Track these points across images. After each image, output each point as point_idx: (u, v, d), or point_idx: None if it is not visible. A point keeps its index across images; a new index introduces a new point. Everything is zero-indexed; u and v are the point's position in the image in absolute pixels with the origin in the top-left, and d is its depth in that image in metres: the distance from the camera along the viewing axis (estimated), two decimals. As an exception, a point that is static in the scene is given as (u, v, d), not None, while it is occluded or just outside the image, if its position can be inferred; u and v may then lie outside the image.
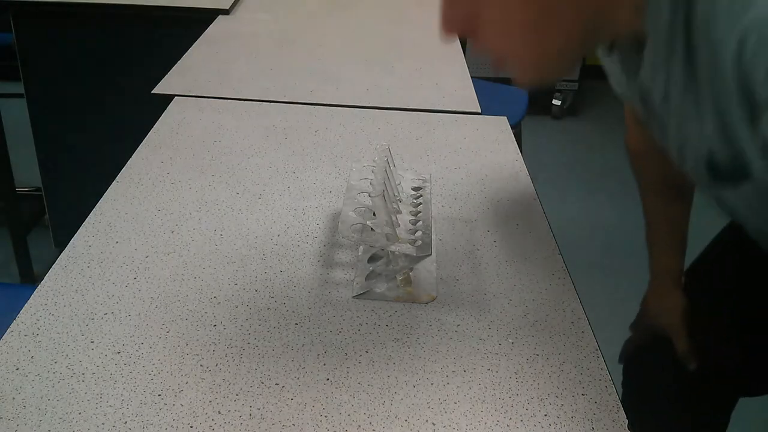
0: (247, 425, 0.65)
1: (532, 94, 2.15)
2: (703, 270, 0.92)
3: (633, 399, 1.03)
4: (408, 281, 0.83)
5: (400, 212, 0.88)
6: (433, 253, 0.88)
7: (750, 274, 0.96)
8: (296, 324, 0.77)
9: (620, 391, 0.88)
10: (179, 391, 0.68)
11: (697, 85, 0.59)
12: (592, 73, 2.65)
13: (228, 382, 0.69)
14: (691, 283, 1.05)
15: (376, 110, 1.27)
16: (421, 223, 0.86)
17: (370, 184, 0.85)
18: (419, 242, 0.82)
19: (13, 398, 0.66)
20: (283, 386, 0.69)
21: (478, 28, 0.64)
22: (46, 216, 2.13)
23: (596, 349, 0.75)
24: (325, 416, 0.66)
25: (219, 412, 0.66)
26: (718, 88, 0.55)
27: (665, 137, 0.68)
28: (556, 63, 0.66)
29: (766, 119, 0.51)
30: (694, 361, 0.98)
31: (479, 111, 1.29)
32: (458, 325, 0.78)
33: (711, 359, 1.00)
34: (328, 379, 0.70)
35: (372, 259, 0.87)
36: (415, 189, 0.93)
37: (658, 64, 0.59)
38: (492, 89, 2.06)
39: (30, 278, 2.19)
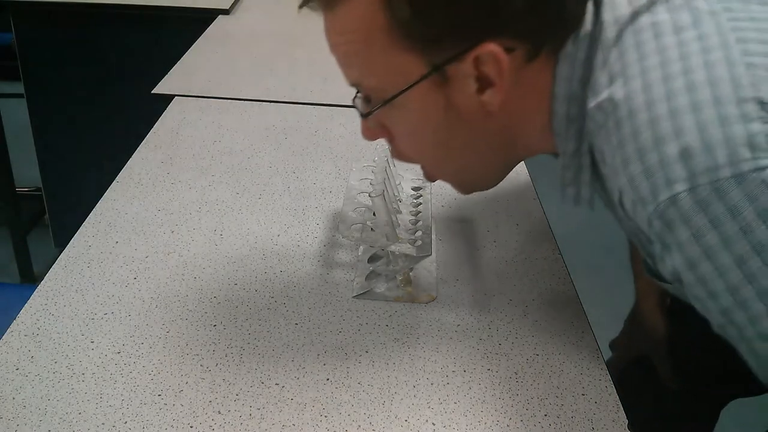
0: (247, 425, 0.65)
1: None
2: None
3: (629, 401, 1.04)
4: (408, 281, 0.83)
5: (400, 212, 0.88)
6: (433, 253, 0.88)
7: None
8: (296, 324, 0.77)
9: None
10: (179, 391, 0.68)
11: (607, 206, 0.65)
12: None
13: (228, 382, 0.69)
14: (677, 304, 1.05)
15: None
16: (421, 223, 0.86)
17: (370, 184, 0.85)
18: (419, 242, 0.82)
19: (14, 398, 0.66)
20: (283, 386, 0.69)
21: (394, 139, 0.69)
22: (46, 216, 2.13)
23: (596, 349, 0.75)
24: (325, 416, 0.66)
25: (219, 412, 0.66)
26: (619, 218, 0.61)
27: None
28: (475, 180, 0.72)
29: (659, 262, 0.56)
30: (676, 383, 0.99)
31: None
32: (458, 325, 0.78)
33: (696, 378, 1.01)
34: (328, 379, 0.70)
35: (372, 259, 0.87)
36: (415, 189, 0.94)
37: (568, 180, 0.64)
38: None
39: (30, 278, 2.19)
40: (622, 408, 0.68)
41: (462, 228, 0.95)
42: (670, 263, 0.54)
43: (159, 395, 0.67)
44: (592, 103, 0.57)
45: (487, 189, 0.73)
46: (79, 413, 0.65)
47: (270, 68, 1.43)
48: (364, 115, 0.67)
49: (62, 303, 0.78)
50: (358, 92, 0.67)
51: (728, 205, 0.49)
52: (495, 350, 0.75)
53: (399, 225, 0.84)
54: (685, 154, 0.50)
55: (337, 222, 0.92)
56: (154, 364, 0.71)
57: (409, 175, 0.95)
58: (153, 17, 1.81)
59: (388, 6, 0.57)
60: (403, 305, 0.80)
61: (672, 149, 0.50)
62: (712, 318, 0.56)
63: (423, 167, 0.72)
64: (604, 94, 0.56)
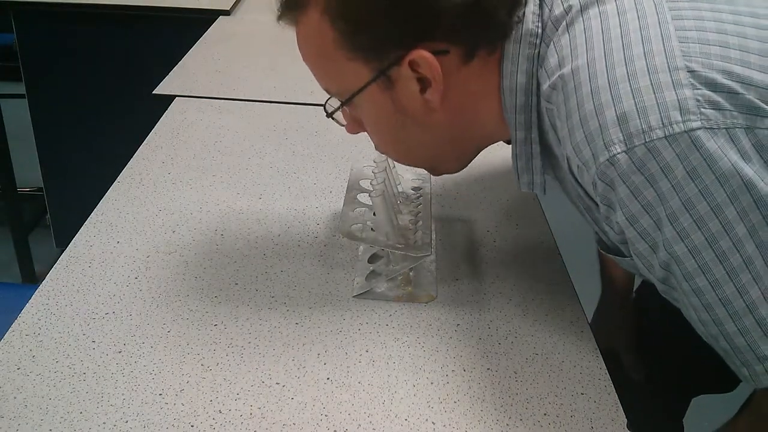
0: (248, 424, 0.65)
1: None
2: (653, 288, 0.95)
3: None
4: (408, 281, 0.84)
5: (400, 212, 0.88)
6: (433, 253, 0.88)
7: None
8: (297, 323, 0.77)
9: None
10: (180, 391, 0.68)
11: (559, 188, 0.73)
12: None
13: (229, 382, 0.69)
14: (641, 300, 1.06)
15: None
16: (421, 223, 0.86)
17: (370, 184, 0.85)
18: (419, 242, 0.82)
19: (15, 397, 0.67)
20: (283, 385, 0.69)
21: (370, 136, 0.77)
22: (48, 216, 2.13)
23: (595, 349, 0.75)
24: (326, 415, 0.66)
25: (220, 412, 0.66)
26: (572, 194, 0.69)
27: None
28: (443, 166, 0.79)
29: (605, 225, 0.62)
30: (640, 374, 1.03)
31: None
32: (458, 324, 0.78)
33: (661, 371, 1.05)
34: (328, 379, 0.70)
35: (372, 259, 0.87)
36: (415, 189, 0.94)
37: (522, 168, 0.71)
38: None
39: (31, 278, 2.19)
40: (621, 407, 0.69)
41: (462, 228, 0.95)
42: (615, 221, 0.59)
43: (160, 394, 0.68)
44: (545, 85, 0.62)
45: (455, 172, 0.80)
46: (81, 412, 0.65)
47: (271, 69, 1.44)
48: (328, 115, 0.76)
49: (63, 303, 0.79)
50: (330, 96, 0.75)
51: (661, 164, 0.54)
52: (494, 349, 0.75)
53: (399, 225, 0.84)
54: (622, 119, 0.55)
55: (338, 222, 0.92)
56: (155, 364, 0.71)
57: (409, 175, 0.96)
58: (154, 18, 1.81)
59: (331, 21, 0.65)
60: (403, 305, 0.81)
61: (610, 115, 0.55)
62: (654, 273, 0.60)
63: (391, 158, 0.82)
64: (555, 75, 0.61)
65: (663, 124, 0.53)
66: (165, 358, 0.72)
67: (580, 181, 0.62)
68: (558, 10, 0.63)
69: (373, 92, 0.67)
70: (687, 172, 0.53)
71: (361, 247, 0.89)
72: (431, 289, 0.83)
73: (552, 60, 0.62)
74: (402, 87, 0.66)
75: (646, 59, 0.55)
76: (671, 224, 0.55)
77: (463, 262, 0.88)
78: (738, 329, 0.57)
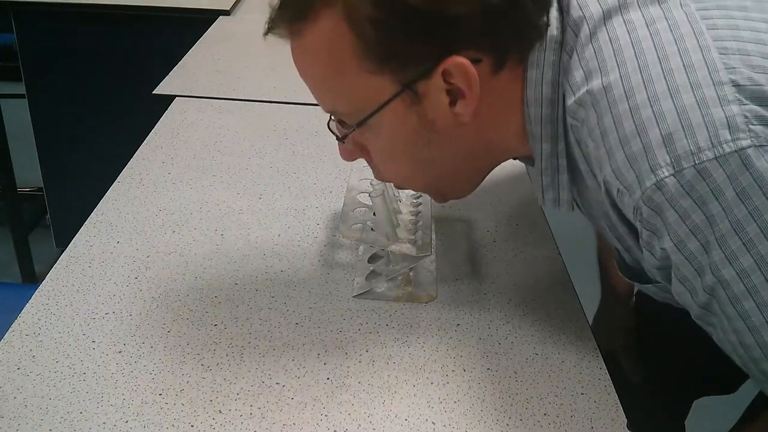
0: (248, 424, 0.65)
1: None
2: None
3: None
4: (408, 281, 0.84)
5: (400, 212, 0.88)
6: (433, 253, 0.88)
7: None
8: (297, 323, 0.77)
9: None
10: (180, 391, 0.68)
11: (585, 206, 0.69)
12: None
13: (229, 382, 0.69)
14: (642, 302, 1.07)
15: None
16: (421, 223, 0.86)
17: (370, 184, 0.85)
18: (419, 242, 0.82)
19: (15, 397, 0.67)
20: (283, 385, 0.69)
21: (372, 159, 0.71)
22: (48, 216, 2.13)
23: (595, 349, 0.75)
24: (326, 415, 0.66)
25: (220, 412, 0.66)
26: (604, 215, 0.63)
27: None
28: (453, 190, 0.74)
29: (645, 251, 0.58)
30: (638, 375, 1.02)
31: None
32: (458, 324, 0.78)
33: (659, 375, 1.04)
34: (328, 379, 0.70)
35: (372, 259, 0.87)
36: (415, 189, 0.94)
37: (547, 184, 0.66)
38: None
39: (31, 278, 2.19)
40: (621, 407, 0.68)
41: (462, 228, 0.95)
42: (659, 247, 0.56)
43: (160, 394, 0.68)
44: (570, 100, 0.59)
45: (462, 197, 0.75)
46: (81, 412, 0.65)
47: (271, 69, 1.44)
48: (340, 139, 0.69)
49: (63, 303, 0.79)
50: (331, 117, 0.68)
51: (711, 186, 0.51)
52: (494, 349, 0.75)
53: (399, 225, 0.84)
54: (668, 139, 0.51)
55: (338, 222, 0.92)
56: (155, 364, 0.71)
57: (409, 176, 0.96)
58: (154, 18, 1.81)
59: (353, 29, 0.58)
60: (403, 305, 0.81)
61: (654, 135, 0.52)
62: (697, 297, 0.57)
63: (398, 184, 0.76)
64: (582, 90, 0.57)
65: (713, 144, 0.50)
66: (165, 358, 0.72)
67: (619, 205, 0.58)
68: (576, 14, 0.59)
69: (395, 108, 0.62)
70: (737, 194, 0.50)
71: (361, 247, 0.89)
72: (431, 289, 0.83)
73: (577, 74, 0.58)
74: (430, 101, 0.61)
75: (687, 73, 0.52)
76: (720, 248, 0.52)
77: (463, 262, 0.88)
78: None
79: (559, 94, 0.61)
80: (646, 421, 0.94)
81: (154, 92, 1.31)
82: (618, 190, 0.56)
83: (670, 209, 0.53)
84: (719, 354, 0.61)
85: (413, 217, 0.87)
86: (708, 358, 0.64)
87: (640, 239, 0.58)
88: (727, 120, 0.50)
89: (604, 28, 0.57)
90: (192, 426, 0.65)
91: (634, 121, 0.53)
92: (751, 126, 0.50)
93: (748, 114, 0.50)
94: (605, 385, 0.71)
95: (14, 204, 2.15)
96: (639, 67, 0.54)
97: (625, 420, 0.67)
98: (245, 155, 1.11)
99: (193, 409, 0.66)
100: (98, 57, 1.88)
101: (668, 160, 0.52)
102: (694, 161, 0.51)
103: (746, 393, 0.89)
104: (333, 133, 0.70)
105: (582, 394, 0.70)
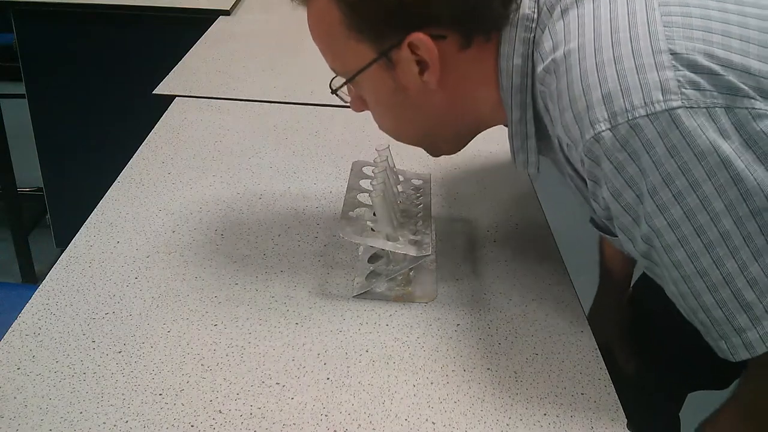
0: (248, 424, 0.65)
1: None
2: (651, 281, 0.95)
3: None
4: (408, 281, 0.84)
5: (400, 212, 0.88)
6: (433, 253, 0.88)
7: None
8: (296, 323, 0.77)
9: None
10: (180, 391, 0.68)
11: (554, 167, 0.76)
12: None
13: (229, 382, 0.69)
14: (638, 295, 1.07)
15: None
16: (421, 223, 0.86)
17: (370, 184, 0.85)
18: (419, 242, 0.82)
19: (15, 397, 0.67)
20: (283, 385, 0.69)
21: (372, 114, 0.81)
22: (48, 216, 2.13)
23: (595, 349, 0.76)
24: (326, 415, 0.66)
25: (220, 411, 0.66)
26: (564, 173, 0.71)
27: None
28: (441, 147, 0.83)
29: (593, 202, 0.65)
30: (633, 368, 1.04)
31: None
32: (458, 324, 0.78)
33: (656, 366, 1.06)
34: (328, 379, 0.70)
35: (372, 259, 0.87)
36: (415, 189, 0.94)
37: (518, 147, 0.74)
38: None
39: (31, 278, 2.19)
40: (621, 407, 0.69)
41: (462, 228, 0.95)
42: (600, 196, 0.62)
43: (160, 394, 0.68)
44: (539, 68, 0.65)
45: (451, 153, 0.84)
46: (81, 412, 0.65)
47: (270, 69, 1.44)
48: (333, 91, 0.80)
49: (63, 303, 0.79)
50: (336, 75, 0.78)
51: (643, 141, 0.56)
52: (494, 350, 0.75)
53: (399, 225, 0.84)
54: (607, 98, 0.57)
55: (337, 222, 0.92)
56: (155, 364, 0.71)
57: (409, 175, 0.96)
58: (153, 18, 1.81)
59: (338, 5, 0.68)
60: (403, 305, 0.81)
61: (596, 95, 0.58)
62: (637, 246, 0.62)
63: (391, 136, 0.82)
64: (549, 58, 0.64)
65: (645, 103, 0.56)
66: (165, 358, 0.72)
67: (570, 159, 0.65)
68: None
69: (375, 72, 0.71)
70: (667, 149, 0.56)
71: (361, 247, 0.89)
72: (431, 289, 0.83)
73: (546, 44, 0.65)
74: (402, 68, 0.70)
75: (631, 43, 0.58)
76: (652, 198, 0.58)
77: (463, 262, 0.88)
78: (715, 301, 0.59)
79: (529, 66, 0.68)
80: (639, 412, 0.94)
81: (154, 92, 1.31)
82: (567, 144, 0.63)
83: (606, 161, 0.58)
84: (712, 349, 0.62)
85: (413, 217, 0.87)
86: (701, 352, 0.65)
87: (587, 191, 0.64)
88: (661, 83, 0.56)
89: (575, 6, 0.64)
90: (192, 426, 0.65)
91: (581, 84, 0.59)
92: (683, 90, 0.55)
93: (681, 79, 0.55)
94: (605, 385, 0.71)
95: (14, 204, 2.15)
96: (594, 37, 0.60)
97: (625, 420, 0.67)
98: (245, 155, 1.11)
99: (193, 409, 0.66)
100: (98, 57, 1.88)
101: (606, 116, 0.57)
102: (628, 117, 0.56)
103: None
104: (331, 90, 0.80)
105: (582, 394, 0.70)
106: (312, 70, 1.42)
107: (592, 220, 0.73)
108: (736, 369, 0.63)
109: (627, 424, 0.67)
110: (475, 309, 0.81)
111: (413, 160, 1.11)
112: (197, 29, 1.65)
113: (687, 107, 0.55)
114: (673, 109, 0.55)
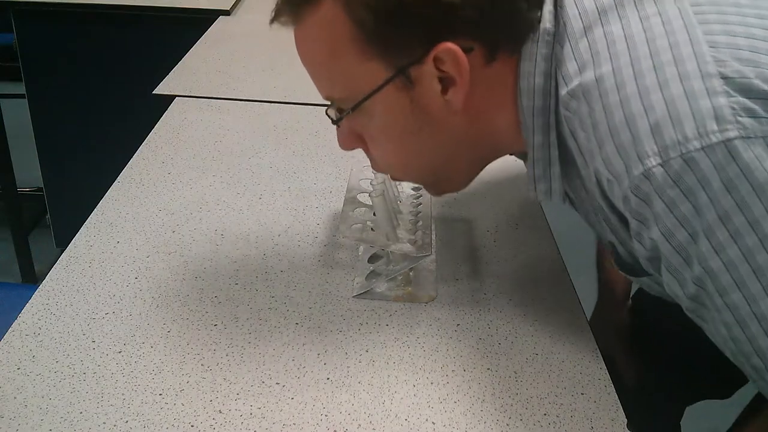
0: (248, 424, 0.65)
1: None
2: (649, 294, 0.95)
3: None
4: (408, 281, 0.84)
5: (400, 212, 0.88)
6: (433, 253, 0.88)
7: None
8: (297, 323, 0.77)
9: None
10: (180, 391, 0.68)
11: (577, 199, 0.68)
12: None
13: (229, 382, 0.69)
14: (638, 306, 1.07)
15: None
16: (421, 223, 0.86)
17: (371, 184, 0.85)
18: (419, 242, 0.82)
19: (15, 397, 0.67)
20: (283, 385, 0.69)
21: (368, 148, 0.72)
22: (48, 216, 2.13)
23: (595, 349, 0.75)
24: (326, 415, 0.66)
25: (220, 411, 0.66)
26: (596, 207, 0.64)
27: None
28: (449, 182, 0.75)
29: (635, 242, 0.59)
30: (633, 378, 1.02)
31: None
32: (458, 324, 0.78)
33: (657, 377, 1.04)
34: (328, 379, 0.70)
35: (372, 259, 0.87)
36: (415, 189, 0.94)
37: (539, 176, 0.67)
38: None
39: (31, 278, 2.19)
40: (621, 407, 0.69)
41: (462, 228, 0.95)
42: (648, 237, 0.56)
43: (160, 394, 0.68)
44: (563, 92, 0.60)
45: (457, 191, 0.77)
46: (81, 412, 0.65)
47: (270, 69, 1.44)
48: (335, 122, 0.70)
49: (63, 303, 0.79)
50: (331, 104, 0.70)
51: (698, 176, 0.51)
52: (494, 350, 0.75)
53: (399, 225, 0.84)
54: (656, 130, 0.52)
55: (338, 222, 0.92)
56: (155, 364, 0.71)
57: (409, 176, 0.96)
58: (153, 18, 1.81)
59: (351, 15, 0.60)
60: (403, 305, 0.81)
61: (643, 125, 0.53)
62: (686, 288, 0.57)
63: (393, 173, 0.76)
64: (575, 82, 0.58)
65: (699, 134, 0.51)
66: (165, 358, 0.72)
67: (609, 195, 0.59)
68: (571, 9, 0.61)
69: (389, 93, 0.63)
70: (724, 184, 0.51)
71: (361, 247, 0.89)
72: (431, 289, 0.83)
73: (570, 66, 0.59)
74: (423, 86, 0.63)
75: (676, 66, 0.53)
76: (707, 238, 0.53)
77: (463, 262, 0.88)
78: None
79: (551, 86, 0.62)
80: (641, 422, 0.94)
81: (154, 92, 1.31)
82: (608, 179, 0.57)
83: (657, 199, 0.53)
84: (714, 359, 0.61)
85: (413, 217, 0.87)
86: (703, 363, 0.64)
87: (630, 229, 0.59)
88: (714, 111, 0.51)
89: (600, 22, 0.58)
90: (192, 426, 0.65)
91: (623, 112, 0.54)
92: (738, 118, 0.50)
93: (735, 106, 0.51)
94: (605, 385, 0.71)
95: (14, 204, 2.15)
96: (631, 60, 0.55)
97: (625, 420, 0.67)
98: (245, 155, 1.11)
99: (193, 409, 0.66)
100: (98, 57, 1.88)
101: (655, 150, 0.52)
102: (681, 151, 0.51)
103: (742, 398, 0.89)
104: (330, 118, 0.71)
105: (582, 394, 0.70)
106: (312, 70, 1.42)
107: (618, 260, 0.68)
108: (738, 379, 0.61)
109: (627, 424, 0.67)
110: (475, 309, 0.81)
111: (413, 160, 1.11)
112: (197, 29, 1.66)
113: (744, 137, 0.50)
114: (730, 140, 0.50)
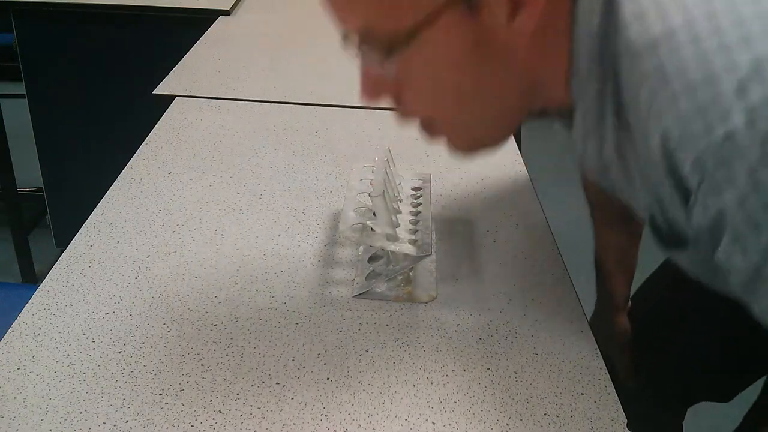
0: (248, 424, 0.65)
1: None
2: (650, 295, 0.93)
3: None
4: (408, 281, 0.84)
5: (400, 212, 0.88)
6: (433, 253, 0.88)
7: (696, 301, 0.95)
8: (297, 323, 0.77)
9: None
10: (180, 391, 0.68)
11: (629, 158, 0.60)
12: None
13: (229, 382, 0.69)
14: (637, 308, 1.06)
15: (377, 110, 1.27)
16: (421, 223, 0.86)
17: (371, 184, 0.85)
18: (419, 242, 0.82)
19: (15, 397, 0.67)
20: (283, 385, 0.69)
21: (404, 92, 0.63)
22: (48, 216, 2.13)
23: (595, 349, 0.76)
24: (326, 415, 0.66)
25: (220, 411, 0.66)
26: (649, 168, 0.57)
27: (613, 189, 0.67)
28: (489, 133, 0.67)
29: (697, 208, 0.53)
30: (634, 381, 1.02)
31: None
32: (458, 324, 0.78)
33: (656, 379, 1.04)
34: (328, 379, 0.70)
35: (372, 258, 0.87)
36: (415, 189, 0.94)
37: (588, 130, 0.60)
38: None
39: (31, 278, 2.20)
40: (621, 407, 0.69)
41: (462, 228, 0.95)
42: (715, 205, 0.52)
43: (160, 394, 0.68)
44: (623, 37, 0.54)
45: (492, 148, 0.68)
46: (81, 413, 0.65)
47: (270, 69, 1.44)
48: (385, 57, 0.58)
49: (63, 303, 0.79)
50: (361, 41, 0.60)
51: None
52: (495, 350, 0.75)
53: (399, 225, 0.84)
54: (741, 89, 0.48)
55: (338, 222, 0.92)
56: (155, 364, 0.71)
57: (409, 175, 0.96)
58: (153, 18, 1.81)
59: None
60: (403, 305, 0.81)
61: (726, 85, 0.49)
62: (747, 256, 0.52)
63: (427, 124, 0.66)
64: (634, 30, 0.53)
65: None
66: (165, 358, 0.72)
67: (675, 157, 0.53)
68: None
69: (449, 22, 0.55)
70: None
71: (361, 247, 0.89)
72: (431, 289, 0.83)
73: (629, 11, 0.53)
74: (489, 10, 0.54)
75: (760, 22, 0.49)
76: None
77: (463, 262, 0.88)
78: None
79: (610, 30, 0.55)
80: (642, 423, 0.94)
81: (154, 92, 1.31)
82: (678, 140, 0.52)
83: (738, 162, 0.49)
84: (715, 362, 0.60)
85: (413, 217, 0.87)
86: (703, 366, 0.63)
87: (693, 195, 0.53)
88: None
89: None
90: (192, 426, 0.65)
91: (704, 69, 0.50)
92: None
93: None
94: (605, 385, 0.71)
95: (14, 204, 2.15)
96: (706, 14, 0.50)
97: (625, 420, 0.67)
98: (245, 155, 1.11)
99: (193, 409, 0.66)
100: (98, 57, 1.88)
101: (741, 108, 0.48)
102: None
103: (742, 398, 0.89)
104: (363, 58, 0.61)
105: (582, 394, 0.70)
106: (312, 70, 1.42)
107: (655, 232, 0.63)
108: (739, 382, 0.60)
109: (627, 425, 0.67)
110: (475, 309, 0.81)
111: (413, 160, 1.11)
112: (197, 29, 1.66)
113: None
114: None
